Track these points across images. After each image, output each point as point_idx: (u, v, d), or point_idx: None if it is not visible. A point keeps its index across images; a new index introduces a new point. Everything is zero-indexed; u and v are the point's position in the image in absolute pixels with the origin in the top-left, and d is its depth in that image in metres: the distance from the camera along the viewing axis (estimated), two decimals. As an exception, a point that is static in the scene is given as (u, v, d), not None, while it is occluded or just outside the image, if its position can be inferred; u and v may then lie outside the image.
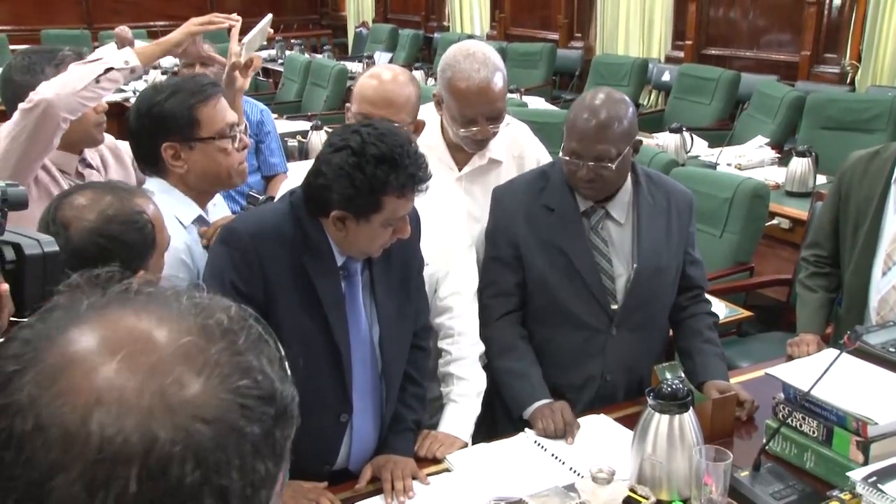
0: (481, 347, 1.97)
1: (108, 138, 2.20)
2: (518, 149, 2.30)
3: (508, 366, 1.96)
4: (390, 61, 7.68)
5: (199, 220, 1.82)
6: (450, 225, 2.00)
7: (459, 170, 2.20)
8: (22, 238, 1.08)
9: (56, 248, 1.11)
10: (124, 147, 2.19)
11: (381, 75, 1.94)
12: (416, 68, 6.59)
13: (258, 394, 0.53)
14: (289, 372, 0.57)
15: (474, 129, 2.10)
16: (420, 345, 1.85)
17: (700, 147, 4.39)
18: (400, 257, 1.74)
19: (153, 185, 1.79)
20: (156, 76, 6.13)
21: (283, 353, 0.58)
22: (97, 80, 1.89)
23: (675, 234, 2.02)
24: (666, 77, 6.42)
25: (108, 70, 1.90)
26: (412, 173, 1.51)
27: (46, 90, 1.85)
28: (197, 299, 0.56)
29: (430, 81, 6.27)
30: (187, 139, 1.76)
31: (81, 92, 1.87)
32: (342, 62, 7.10)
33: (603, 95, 1.89)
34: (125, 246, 1.40)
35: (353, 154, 1.51)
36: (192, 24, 2.10)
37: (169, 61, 6.98)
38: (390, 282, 1.72)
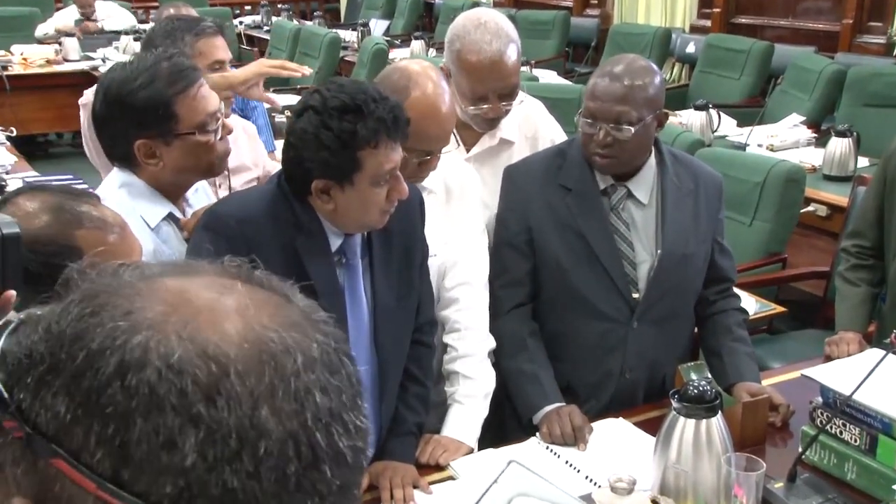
0: (491, 343, 1.96)
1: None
2: (531, 128, 2.29)
3: (518, 366, 1.96)
4: (387, 29, 7.65)
5: (170, 218, 1.79)
6: (461, 207, 2.00)
7: (468, 150, 2.20)
8: None
9: (17, 229, 1.08)
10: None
11: (439, 106, 1.81)
12: (416, 37, 6.57)
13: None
14: (360, 385, 0.55)
15: (485, 106, 2.10)
16: (424, 340, 1.85)
17: (728, 126, 4.38)
18: (401, 243, 1.74)
19: (118, 179, 1.76)
20: (128, 42, 6.10)
21: (358, 369, 0.55)
22: None
23: (704, 218, 2.02)
24: (691, 49, 6.39)
25: None
26: (380, 117, 1.51)
27: None
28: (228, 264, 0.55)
29: (432, 52, 6.25)
30: (164, 135, 1.72)
31: None
32: (334, 30, 7.08)
33: (630, 58, 1.92)
34: (33, 278, 1.14)
35: (315, 113, 1.51)
36: (264, 65, 2.23)
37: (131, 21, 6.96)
38: (390, 269, 1.72)
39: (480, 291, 1.98)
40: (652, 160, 1.99)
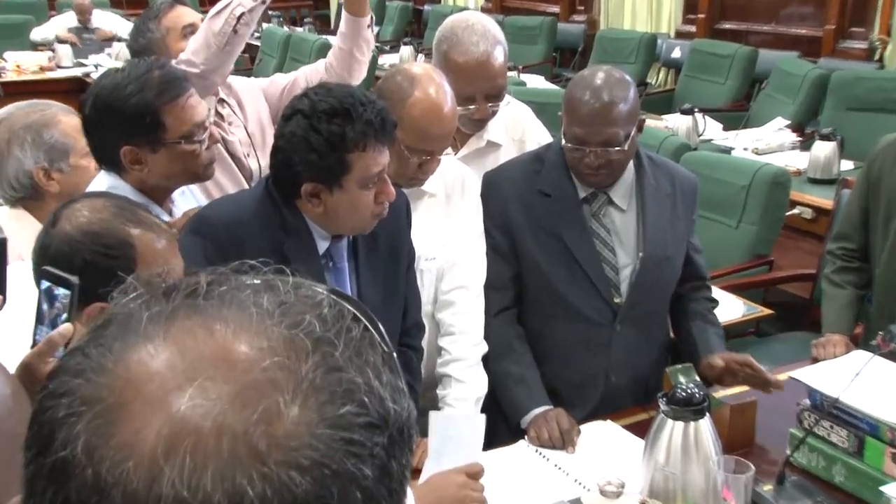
0: (484, 348, 1.95)
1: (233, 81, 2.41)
2: (519, 131, 2.29)
3: (505, 368, 1.95)
4: (377, 35, 7.63)
5: None
6: (461, 209, 1.99)
7: (455, 152, 2.19)
8: None
9: (4, 235, 1.09)
10: (260, 92, 2.46)
11: (441, 106, 1.80)
12: (405, 43, 6.56)
13: (365, 421, 0.47)
14: (401, 374, 0.52)
15: (472, 107, 2.10)
16: (411, 343, 1.84)
17: (714, 130, 4.37)
18: (387, 246, 1.74)
19: (104, 182, 1.76)
20: (120, 49, 6.06)
21: (390, 348, 0.52)
22: (235, 31, 2.12)
23: (681, 220, 2.03)
24: (676, 54, 6.40)
25: (241, 16, 2.10)
26: (368, 120, 1.50)
27: (193, 59, 2.13)
28: (281, 294, 0.50)
29: (421, 58, 6.24)
30: (150, 143, 1.72)
31: (226, 48, 2.14)
32: (324, 36, 7.06)
33: (603, 74, 1.89)
34: (88, 266, 1.31)
35: (304, 117, 1.51)
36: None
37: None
38: (375, 272, 1.72)
39: (476, 295, 1.97)
40: (630, 165, 1.99)
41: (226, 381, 0.46)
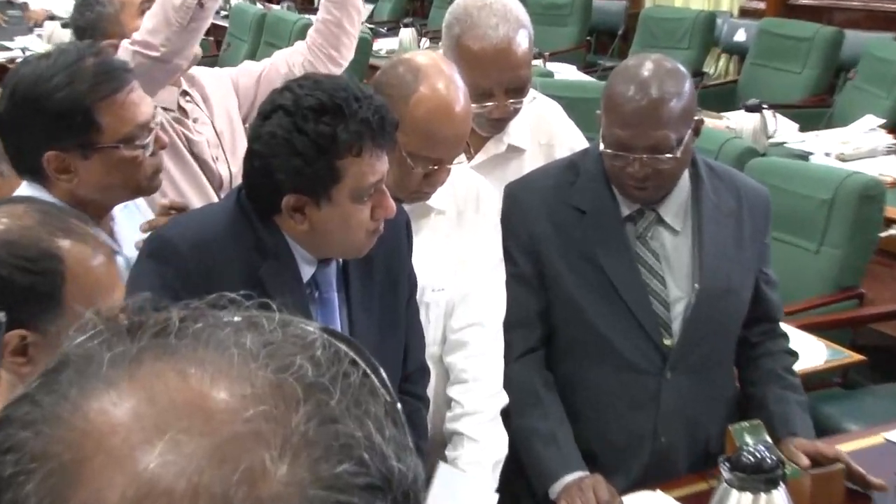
0: (504, 400, 1.96)
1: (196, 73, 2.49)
2: (546, 134, 2.31)
3: (530, 425, 1.97)
4: (371, 15, 7.71)
5: None
6: (475, 230, 2.01)
7: (469, 159, 2.21)
8: None
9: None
10: (230, 82, 2.54)
11: (451, 104, 1.82)
12: (406, 24, 6.62)
13: (366, 482, 0.48)
14: (406, 427, 0.53)
15: (489, 104, 2.12)
16: (414, 391, 1.86)
17: (787, 131, 4.39)
18: (385, 274, 1.75)
19: (25, 193, 1.75)
20: (53, 30, 6.13)
21: (394, 397, 0.54)
22: (200, 4, 2.15)
23: (748, 244, 2.04)
24: (740, 36, 6.43)
25: None
26: (364, 119, 1.52)
27: (150, 39, 2.16)
28: (266, 333, 0.52)
29: (424, 42, 6.29)
30: (82, 147, 1.72)
31: (191, 25, 2.16)
32: (307, 15, 7.12)
33: (651, 64, 1.92)
34: (4, 284, 1.30)
35: (286, 114, 1.53)
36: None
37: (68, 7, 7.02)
38: (371, 305, 1.73)
39: (494, 335, 1.98)
40: (685, 177, 2.01)
41: (202, 433, 0.47)
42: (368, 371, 0.53)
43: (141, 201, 2.04)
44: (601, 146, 1.94)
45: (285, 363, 0.50)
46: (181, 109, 2.39)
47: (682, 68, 1.96)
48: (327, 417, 0.49)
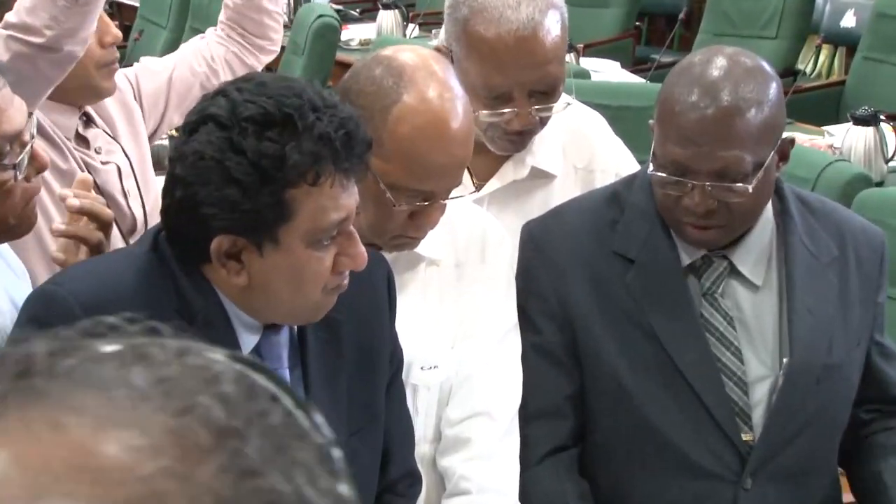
0: None
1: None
2: (585, 156, 2.33)
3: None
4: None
5: None
6: (480, 287, 2.03)
7: (478, 187, 2.22)
8: None
9: None
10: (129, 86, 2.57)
11: (446, 118, 1.86)
12: (386, 6, 6.65)
13: None
14: (348, 475, 0.55)
15: (507, 110, 2.14)
16: (400, 504, 1.86)
17: (913, 151, 4.41)
18: (356, 344, 1.76)
19: None
20: None
21: (328, 437, 0.56)
22: None
23: (856, 305, 2.06)
24: (848, 22, 6.47)
25: None
26: (324, 134, 1.53)
27: (29, 20, 2.17)
28: (159, 366, 0.54)
29: (412, 30, 6.34)
30: None
31: (82, 1, 2.16)
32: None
33: (724, 61, 1.94)
34: None
35: (219, 127, 1.55)
36: None
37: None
38: (336, 387, 1.74)
39: (506, 429, 1.99)
40: (768, 213, 2.03)
41: (90, 499, 0.49)
42: (293, 407, 0.55)
43: (5, 249, 2.03)
44: (650, 168, 1.96)
45: (186, 404, 0.52)
46: (80, 138, 2.42)
47: (767, 67, 1.98)
48: (244, 470, 0.51)
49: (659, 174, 1.94)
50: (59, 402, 0.52)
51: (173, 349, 0.55)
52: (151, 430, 0.51)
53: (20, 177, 1.80)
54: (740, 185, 1.90)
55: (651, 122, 1.98)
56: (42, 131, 2.15)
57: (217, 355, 0.56)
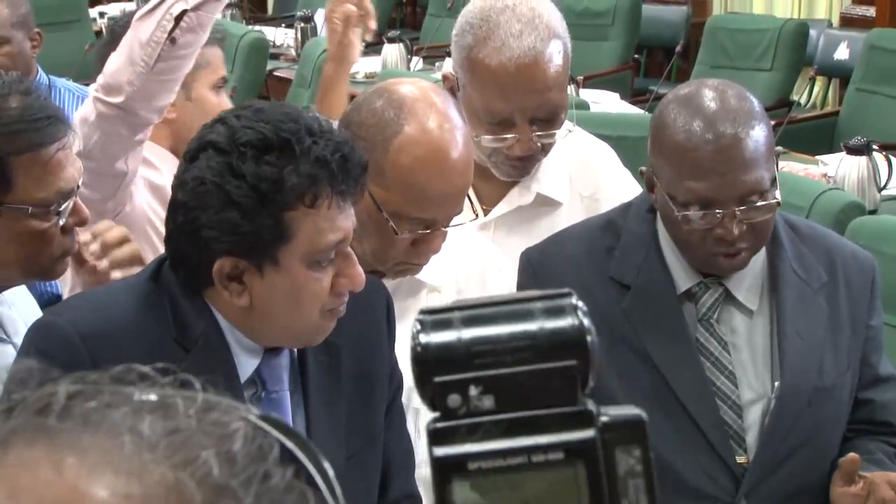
0: None
1: None
2: (591, 184, 2.35)
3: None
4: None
5: None
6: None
7: (483, 213, 2.23)
8: None
9: None
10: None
11: (446, 148, 1.89)
12: (391, 39, 6.67)
13: None
14: None
15: (509, 136, 2.16)
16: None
17: (905, 179, 4.42)
18: (356, 366, 1.77)
19: None
20: None
21: (337, 494, 0.56)
22: (172, 40, 2.16)
23: (846, 329, 2.06)
24: (842, 54, 6.46)
25: (181, 16, 2.14)
26: (321, 157, 1.55)
27: (112, 81, 2.23)
28: (178, 418, 0.55)
29: (416, 63, 6.37)
30: None
31: (158, 67, 2.20)
32: (258, 27, 7.20)
33: (711, 92, 1.97)
34: None
35: (218, 153, 1.57)
36: None
37: None
38: (336, 409, 1.75)
39: None
40: None
41: None
42: (316, 472, 0.56)
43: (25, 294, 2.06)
44: (675, 211, 1.95)
45: (189, 457, 0.53)
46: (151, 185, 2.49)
47: (746, 91, 2.01)
48: None
49: (686, 213, 1.94)
50: (67, 442, 0.53)
51: (199, 403, 0.56)
52: (147, 480, 0.52)
53: (59, 226, 1.82)
54: (766, 202, 1.93)
55: (643, 168, 2.00)
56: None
57: (241, 414, 0.56)
